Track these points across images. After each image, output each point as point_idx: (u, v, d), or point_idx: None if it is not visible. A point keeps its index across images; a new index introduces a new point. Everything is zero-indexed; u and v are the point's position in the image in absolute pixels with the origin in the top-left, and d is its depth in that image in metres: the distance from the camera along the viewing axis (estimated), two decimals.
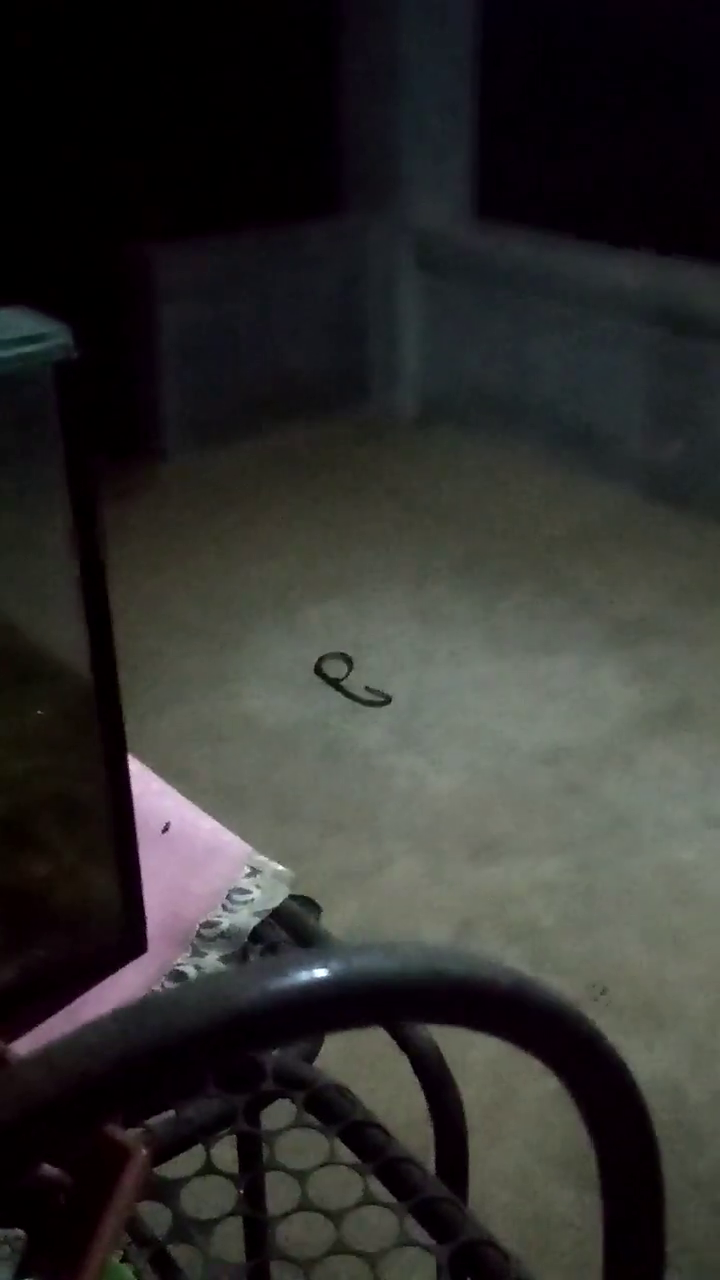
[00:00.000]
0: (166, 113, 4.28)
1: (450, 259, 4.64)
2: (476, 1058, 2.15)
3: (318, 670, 3.31)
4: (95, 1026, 0.39)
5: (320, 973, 0.42)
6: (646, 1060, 2.19)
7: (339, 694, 3.24)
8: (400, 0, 4.38)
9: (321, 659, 3.34)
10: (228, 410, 4.56)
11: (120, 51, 4.16)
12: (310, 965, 0.42)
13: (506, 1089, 2.14)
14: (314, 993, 0.41)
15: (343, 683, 3.26)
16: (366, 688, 3.23)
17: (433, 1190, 0.77)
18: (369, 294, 4.79)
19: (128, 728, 0.99)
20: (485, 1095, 2.12)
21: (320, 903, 1.14)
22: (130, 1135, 0.67)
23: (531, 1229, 1.93)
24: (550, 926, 2.51)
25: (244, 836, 1.16)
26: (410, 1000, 0.44)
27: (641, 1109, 0.46)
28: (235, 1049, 0.42)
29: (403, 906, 2.57)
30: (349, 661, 3.32)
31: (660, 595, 3.64)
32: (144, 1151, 0.62)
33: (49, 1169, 0.63)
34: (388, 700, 3.20)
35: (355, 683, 3.26)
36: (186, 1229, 0.74)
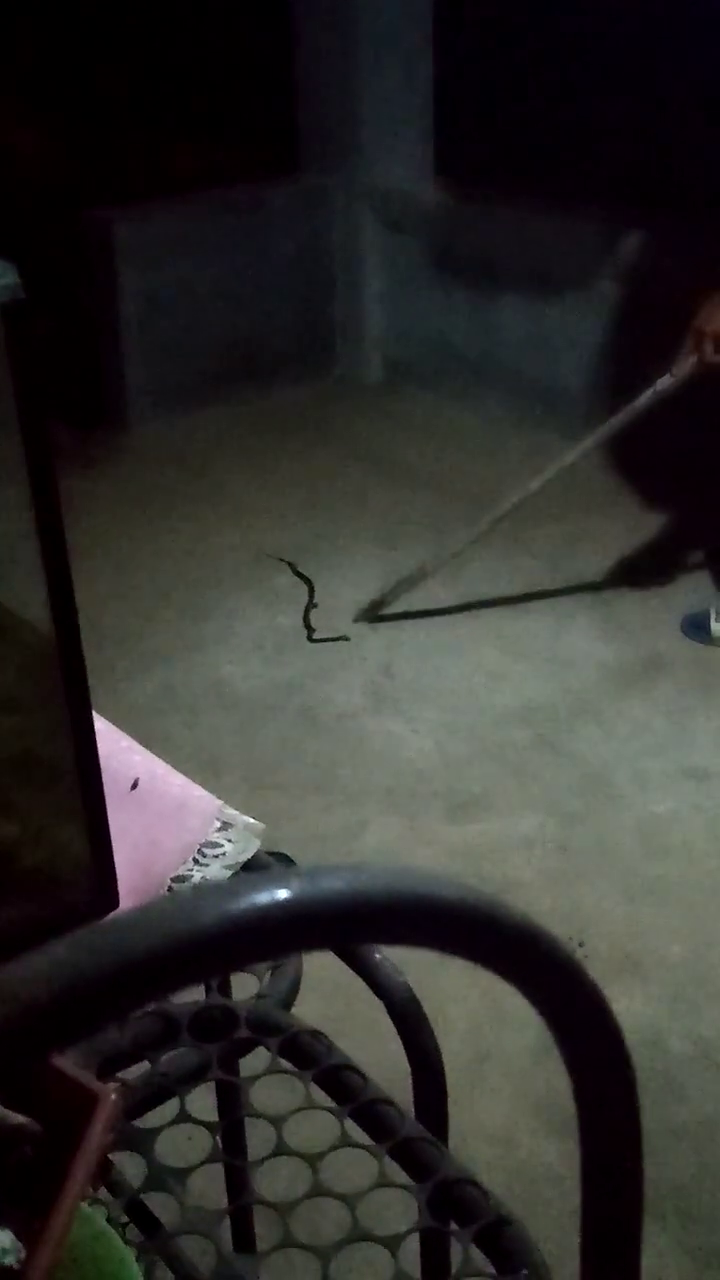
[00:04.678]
0: (124, 77, 4.22)
1: (411, 219, 4.60)
2: (457, 1012, 2.15)
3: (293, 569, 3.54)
4: (45, 953, 0.37)
5: (281, 893, 0.40)
6: (626, 1011, 2.19)
7: (311, 655, 3.23)
8: None
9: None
10: (191, 376, 4.52)
11: (77, 16, 4.10)
12: (271, 886, 0.40)
13: (487, 1044, 2.15)
14: (275, 914, 0.40)
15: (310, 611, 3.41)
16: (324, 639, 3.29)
17: (410, 1131, 0.76)
18: (331, 255, 4.74)
19: (100, 697, 0.98)
20: (466, 1050, 2.12)
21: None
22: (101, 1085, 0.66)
23: (516, 1181, 1.93)
24: (528, 881, 2.51)
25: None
26: (376, 920, 0.43)
27: (613, 1025, 0.45)
28: (195, 972, 0.40)
29: None
30: (310, 587, 3.47)
31: (627, 551, 3.63)
32: (113, 1096, 0.61)
33: (18, 1118, 0.62)
34: (346, 639, 3.27)
35: (321, 627, 3.35)
36: (162, 1177, 0.73)
